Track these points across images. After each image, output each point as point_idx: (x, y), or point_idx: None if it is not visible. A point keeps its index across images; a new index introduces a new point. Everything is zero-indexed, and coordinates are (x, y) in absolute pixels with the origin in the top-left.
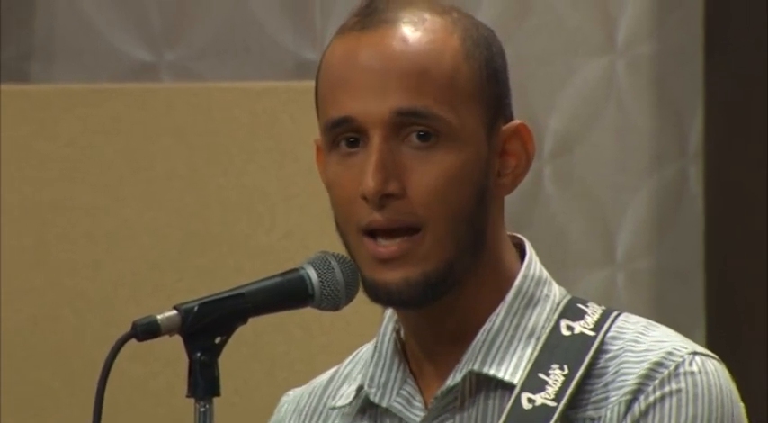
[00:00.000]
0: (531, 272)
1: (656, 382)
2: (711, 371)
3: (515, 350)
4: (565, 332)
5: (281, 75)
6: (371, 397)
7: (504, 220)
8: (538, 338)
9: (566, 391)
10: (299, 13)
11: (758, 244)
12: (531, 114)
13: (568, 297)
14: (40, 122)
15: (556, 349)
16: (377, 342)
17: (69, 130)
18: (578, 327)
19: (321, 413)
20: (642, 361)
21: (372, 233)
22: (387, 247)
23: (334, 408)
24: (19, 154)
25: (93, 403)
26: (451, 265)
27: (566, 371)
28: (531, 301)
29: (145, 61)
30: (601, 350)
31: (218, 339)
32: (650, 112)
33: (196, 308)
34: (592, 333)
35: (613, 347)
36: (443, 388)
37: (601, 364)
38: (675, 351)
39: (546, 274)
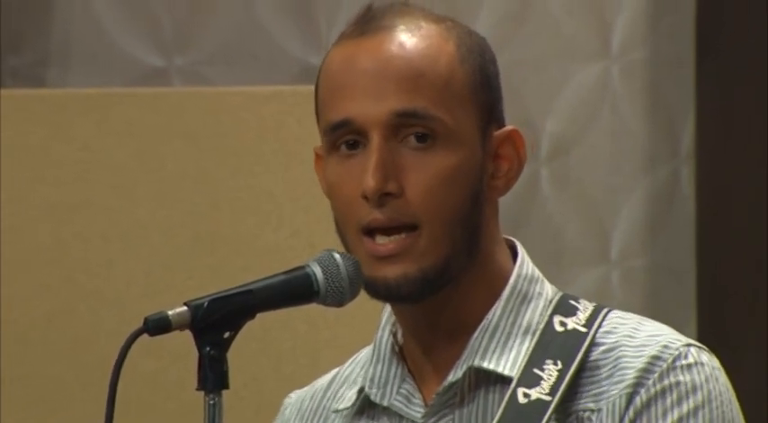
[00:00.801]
0: (525, 271)
1: (656, 375)
2: (705, 362)
3: (513, 346)
4: (558, 328)
5: (287, 79)
6: (372, 397)
7: (499, 221)
8: (533, 334)
9: (560, 385)
10: (304, 21)
11: (748, 243)
12: (529, 117)
13: (560, 294)
14: (57, 126)
15: (549, 345)
16: (375, 345)
17: (84, 132)
18: (571, 323)
19: (322, 415)
20: (639, 355)
21: (371, 232)
22: (385, 244)
23: (336, 411)
24: (36, 156)
25: (106, 396)
26: (448, 261)
27: (559, 366)
28: (525, 298)
29: (156, 67)
30: (594, 344)
31: (226, 334)
32: (644, 115)
33: (206, 304)
34: (584, 329)
35: (608, 341)
36: (445, 384)
37: (595, 357)
38: (671, 344)
39: (538, 272)
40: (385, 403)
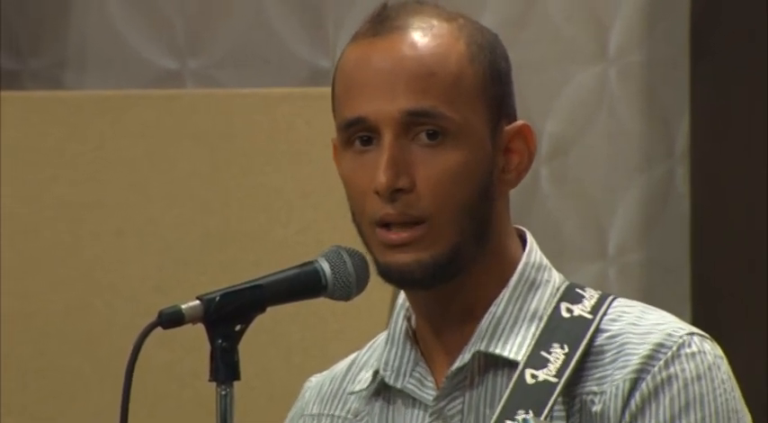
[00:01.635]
0: (533, 259)
1: (661, 362)
2: (709, 350)
3: (519, 331)
4: (565, 314)
5: (297, 82)
6: (386, 380)
7: (510, 212)
8: (540, 320)
9: (566, 368)
10: (313, 26)
11: (741, 240)
12: (529, 118)
13: (567, 283)
14: (73, 126)
15: (556, 330)
16: (389, 330)
17: (100, 133)
18: (577, 310)
19: (341, 398)
20: (644, 342)
21: (385, 225)
22: (398, 234)
23: (352, 393)
24: (53, 156)
25: (122, 387)
26: (458, 249)
27: (566, 350)
28: (532, 285)
29: (170, 69)
30: (599, 330)
31: (238, 327)
32: (640, 116)
33: (218, 298)
34: (590, 316)
35: (613, 328)
36: (453, 368)
37: (599, 342)
38: (674, 332)
39: (546, 261)
40: (399, 386)
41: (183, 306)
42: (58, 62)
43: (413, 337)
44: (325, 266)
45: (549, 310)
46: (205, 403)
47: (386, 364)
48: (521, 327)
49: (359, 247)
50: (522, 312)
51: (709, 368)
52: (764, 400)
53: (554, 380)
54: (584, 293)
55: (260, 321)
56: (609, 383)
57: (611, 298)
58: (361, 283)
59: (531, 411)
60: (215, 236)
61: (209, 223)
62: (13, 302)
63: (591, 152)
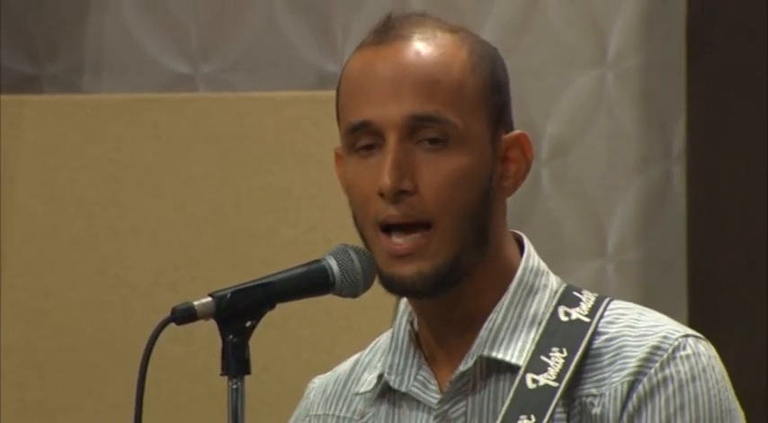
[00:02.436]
0: (531, 264)
1: (657, 365)
2: (703, 352)
3: (520, 336)
4: (563, 318)
5: (305, 86)
6: (391, 383)
7: (506, 218)
8: (539, 324)
9: (566, 371)
10: (321, 32)
11: (736, 238)
12: (530, 121)
13: (564, 285)
14: (90, 129)
15: (555, 334)
16: (393, 333)
17: (116, 135)
18: (575, 313)
19: (345, 399)
20: (640, 345)
21: (388, 229)
22: (401, 244)
23: (357, 394)
24: (71, 158)
25: (136, 380)
26: (459, 258)
27: (565, 353)
28: (531, 290)
29: (183, 73)
30: (596, 333)
31: (248, 323)
32: (637, 118)
33: (229, 295)
34: (587, 319)
35: (610, 331)
36: (457, 373)
37: (597, 345)
38: (670, 335)
39: (543, 265)
40: (403, 389)
41: (196, 303)
42: (75, 67)
43: (416, 340)
44: (333, 264)
45: (548, 315)
46: (217, 397)
47: (390, 367)
48: (521, 332)
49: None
50: (522, 318)
51: (704, 370)
52: (761, 395)
53: (554, 384)
54: (582, 296)
55: (270, 318)
56: (607, 386)
57: (607, 300)
58: (367, 280)
59: (533, 416)
60: (226, 235)
61: (220, 222)
62: (32, 298)
63: (590, 153)
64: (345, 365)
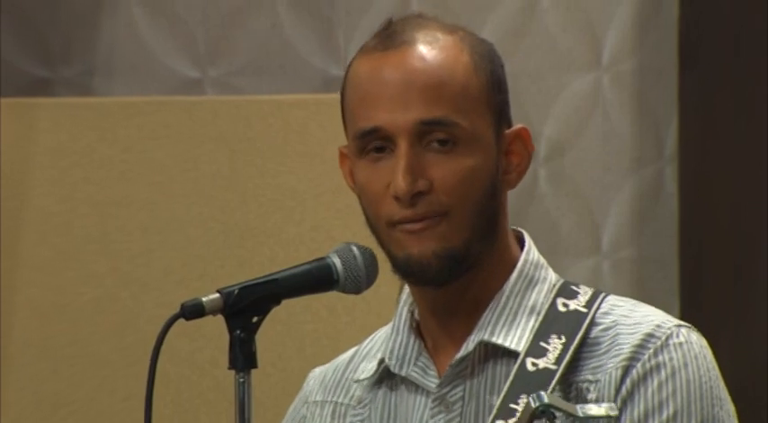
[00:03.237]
0: (531, 257)
1: (650, 351)
2: (695, 341)
3: (519, 323)
4: (561, 308)
5: (310, 89)
6: (392, 368)
7: (508, 213)
8: (538, 314)
9: (564, 356)
10: (325, 37)
11: (725, 236)
12: (528, 123)
13: (562, 280)
14: (102, 130)
15: (554, 322)
16: (394, 322)
17: (127, 136)
18: (572, 304)
19: (344, 386)
20: (635, 333)
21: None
22: (416, 224)
23: (356, 381)
24: (84, 158)
25: (147, 373)
26: (469, 245)
27: (563, 340)
28: (531, 282)
29: (192, 77)
30: (593, 323)
31: (255, 319)
32: (631, 120)
33: (236, 291)
34: (585, 310)
35: (606, 321)
36: (457, 357)
37: (594, 334)
38: (663, 324)
39: (543, 260)
40: (403, 373)
41: (204, 299)
42: (87, 70)
43: (417, 329)
44: (337, 262)
45: (547, 305)
46: (224, 389)
47: (391, 352)
48: (520, 320)
49: (369, 244)
50: (522, 307)
51: (695, 357)
52: (752, 389)
53: (553, 367)
54: (579, 290)
55: (275, 313)
56: (603, 372)
57: (603, 294)
58: (370, 277)
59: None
60: (234, 233)
61: (228, 221)
62: (47, 294)
63: (586, 154)
64: (345, 356)
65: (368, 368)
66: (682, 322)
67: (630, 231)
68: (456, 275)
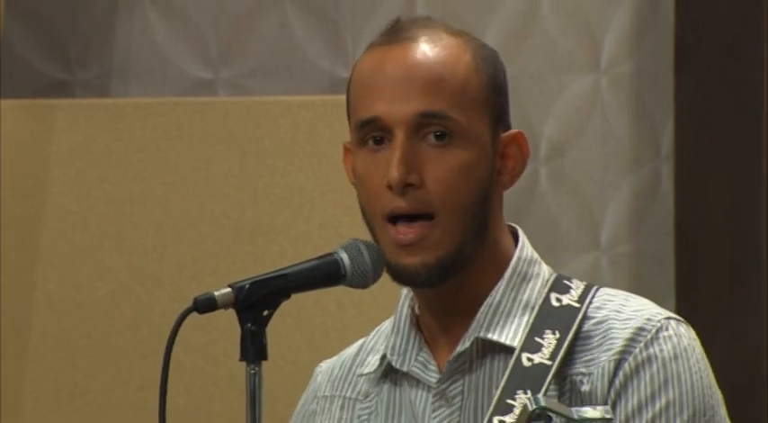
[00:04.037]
0: (524, 254)
1: (641, 344)
2: (684, 333)
3: (514, 319)
4: (554, 303)
5: (318, 90)
6: (393, 363)
7: (503, 211)
8: (532, 309)
9: (558, 351)
10: (333, 39)
11: (719, 232)
12: (529, 123)
13: (555, 275)
14: (118, 131)
15: (548, 318)
16: (395, 318)
17: (142, 136)
18: (565, 299)
19: (350, 381)
20: (626, 327)
21: (394, 220)
22: (406, 233)
23: (361, 375)
24: (101, 158)
25: (161, 365)
26: (461, 248)
27: (557, 335)
28: (525, 278)
29: (204, 79)
30: (586, 317)
31: (265, 312)
32: (629, 121)
33: (247, 286)
34: (577, 304)
35: (598, 315)
36: (455, 353)
37: (587, 328)
38: (653, 317)
39: (536, 256)
40: (405, 369)
41: (216, 293)
42: (104, 73)
43: (417, 325)
44: (344, 257)
45: (541, 300)
46: (236, 380)
47: (392, 349)
48: (515, 315)
49: None
50: (516, 302)
51: (685, 349)
52: (745, 384)
53: (548, 362)
54: (571, 284)
55: (285, 307)
56: (596, 365)
57: (595, 288)
58: (376, 272)
59: (530, 391)
60: (245, 229)
61: (239, 218)
62: (64, 289)
63: (585, 154)
64: (351, 349)
65: (372, 362)
66: (671, 315)
67: (628, 228)
68: (447, 277)
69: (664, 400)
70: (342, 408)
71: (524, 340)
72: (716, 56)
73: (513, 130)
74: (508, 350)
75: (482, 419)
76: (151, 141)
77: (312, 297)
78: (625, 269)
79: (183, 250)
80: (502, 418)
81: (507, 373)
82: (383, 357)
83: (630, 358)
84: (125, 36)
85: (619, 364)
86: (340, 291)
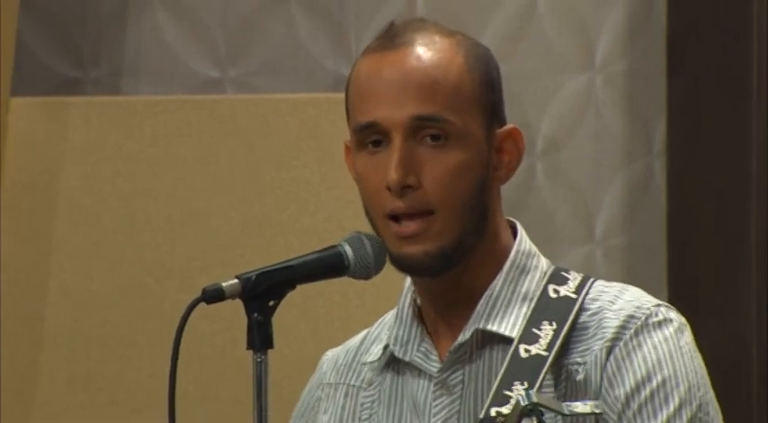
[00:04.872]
0: (523, 247)
1: (632, 331)
2: (674, 318)
3: (513, 310)
4: (552, 295)
5: (322, 88)
6: (396, 353)
7: (501, 205)
8: (530, 300)
9: (555, 342)
10: (337, 39)
11: (709, 226)
12: (526, 121)
13: (553, 267)
14: (129, 127)
15: (545, 309)
16: (398, 309)
17: (153, 133)
18: (563, 290)
19: (355, 369)
20: (618, 316)
21: (395, 217)
22: (408, 226)
23: (365, 363)
24: (112, 153)
25: (171, 353)
26: (461, 241)
27: (554, 326)
28: (523, 270)
29: (212, 77)
30: (582, 309)
31: (271, 302)
32: (622, 118)
33: (254, 277)
34: (574, 296)
35: (593, 306)
36: (455, 344)
37: (583, 319)
38: (643, 305)
39: (535, 248)
40: (407, 359)
41: (224, 284)
42: (115, 71)
43: (419, 315)
44: (348, 250)
45: (539, 292)
46: (243, 368)
47: (395, 339)
48: (514, 307)
49: None
50: (515, 294)
51: (675, 332)
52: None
53: (545, 353)
54: (569, 276)
55: (291, 297)
56: (590, 354)
57: (591, 280)
58: (379, 264)
59: (526, 382)
60: (252, 223)
61: (246, 212)
62: (78, 280)
63: (580, 150)
64: (356, 339)
65: (375, 351)
66: (661, 302)
67: (621, 221)
68: (447, 268)
69: (659, 377)
70: (346, 395)
71: (522, 331)
72: (706, 56)
73: (508, 126)
74: (507, 341)
75: (481, 408)
76: (161, 138)
77: (317, 288)
78: (619, 261)
79: (193, 243)
80: (499, 408)
81: (505, 363)
82: (386, 347)
83: (621, 344)
84: (136, 36)
85: (610, 350)
86: (344, 282)
